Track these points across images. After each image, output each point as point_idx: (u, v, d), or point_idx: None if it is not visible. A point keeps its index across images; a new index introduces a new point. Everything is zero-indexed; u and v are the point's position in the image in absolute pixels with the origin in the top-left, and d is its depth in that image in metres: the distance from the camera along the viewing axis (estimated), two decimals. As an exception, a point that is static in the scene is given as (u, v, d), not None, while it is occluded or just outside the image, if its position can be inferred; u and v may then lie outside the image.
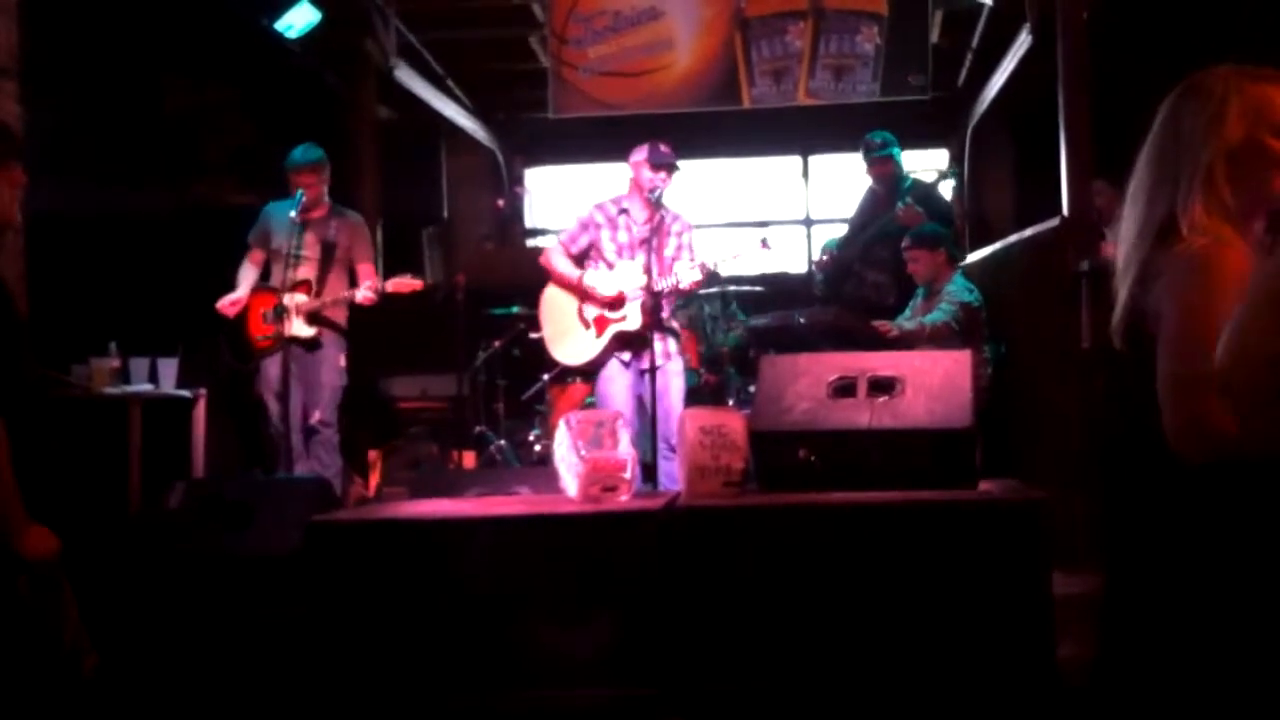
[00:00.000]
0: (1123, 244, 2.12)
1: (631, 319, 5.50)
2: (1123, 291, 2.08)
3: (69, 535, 2.97)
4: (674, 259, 5.60)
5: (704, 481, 3.85)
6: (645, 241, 5.51)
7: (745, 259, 5.62)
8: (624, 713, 3.42)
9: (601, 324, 5.60)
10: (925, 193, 7.04)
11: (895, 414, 3.80)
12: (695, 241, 5.72)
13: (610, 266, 5.60)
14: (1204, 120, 2.05)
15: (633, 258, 5.57)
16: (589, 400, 6.46)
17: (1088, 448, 4.97)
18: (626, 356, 5.58)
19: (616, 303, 5.53)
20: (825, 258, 7.30)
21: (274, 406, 6.00)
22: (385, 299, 5.96)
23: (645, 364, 5.45)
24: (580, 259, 5.68)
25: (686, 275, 5.45)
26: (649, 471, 5.39)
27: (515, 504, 4.28)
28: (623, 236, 5.63)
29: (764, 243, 5.55)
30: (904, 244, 6.46)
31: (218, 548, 4.70)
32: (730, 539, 3.51)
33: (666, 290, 5.50)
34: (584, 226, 5.69)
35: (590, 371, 5.81)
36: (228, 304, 6.10)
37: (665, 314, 5.67)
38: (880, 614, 3.39)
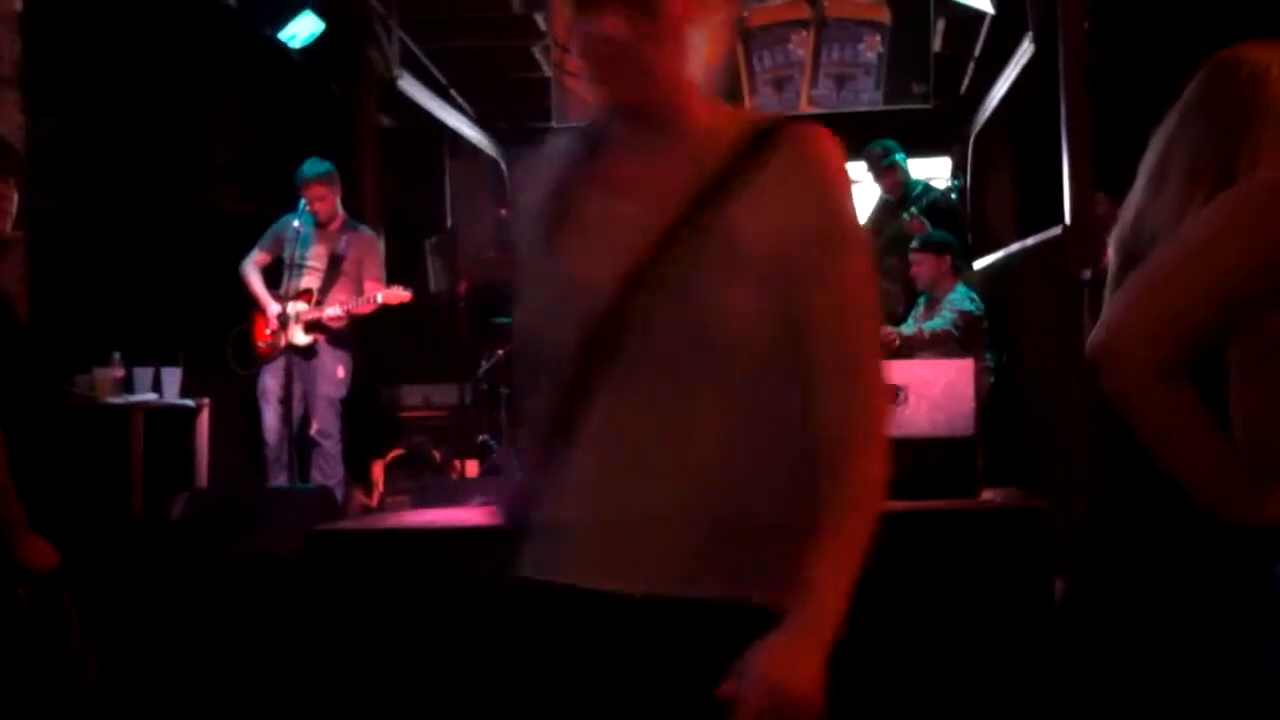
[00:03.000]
0: (1148, 235, 1.95)
1: None
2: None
3: (71, 544, 2.97)
4: None
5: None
6: None
7: None
8: None
9: None
10: (936, 202, 7.05)
11: (898, 423, 3.80)
12: None
13: None
14: (1260, 103, 1.93)
15: None
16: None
17: (1089, 456, 4.97)
18: None
19: None
20: None
21: (268, 415, 6.04)
22: (382, 309, 5.98)
23: None
24: None
25: None
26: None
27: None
28: None
29: None
30: (912, 246, 6.48)
31: (219, 557, 4.70)
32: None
33: None
34: None
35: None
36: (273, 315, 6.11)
37: None
38: (881, 622, 3.38)
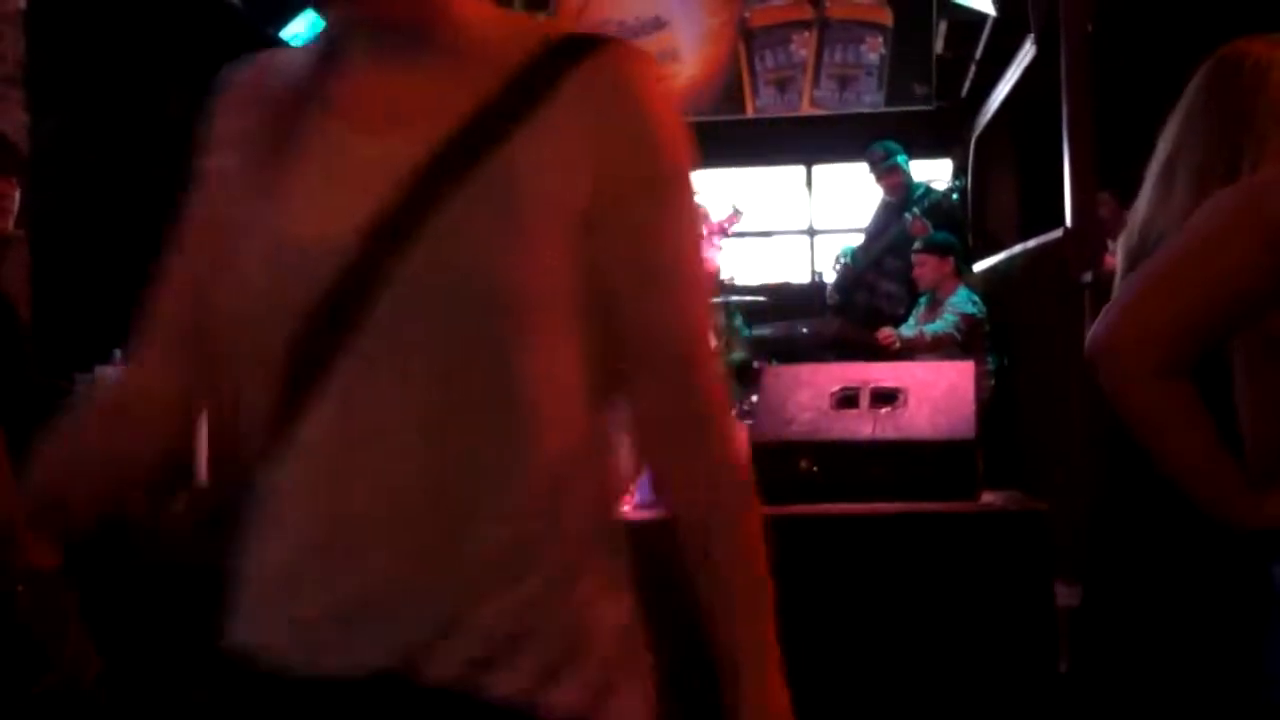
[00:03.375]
0: (1158, 232, 1.99)
1: None
2: None
3: (71, 544, 2.97)
4: None
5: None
6: None
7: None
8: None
9: None
10: (938, 204, 7.07)
11: (898, 425, 3.80)
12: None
13: None
14: (1264, 99, 1.96)
15: None
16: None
17: (1090, 460, 4.97)
18: None
19: None
20: (840, 264, 7.32)
21: None
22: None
23: None
24: None
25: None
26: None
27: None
28: None
29: (735, 211, 5.62)
30: (914, 248, 6.50)
31: (218, 555, 4.70)
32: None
33: None
34: None
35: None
36: None
37: None
38: (881, 626, 3.38)
